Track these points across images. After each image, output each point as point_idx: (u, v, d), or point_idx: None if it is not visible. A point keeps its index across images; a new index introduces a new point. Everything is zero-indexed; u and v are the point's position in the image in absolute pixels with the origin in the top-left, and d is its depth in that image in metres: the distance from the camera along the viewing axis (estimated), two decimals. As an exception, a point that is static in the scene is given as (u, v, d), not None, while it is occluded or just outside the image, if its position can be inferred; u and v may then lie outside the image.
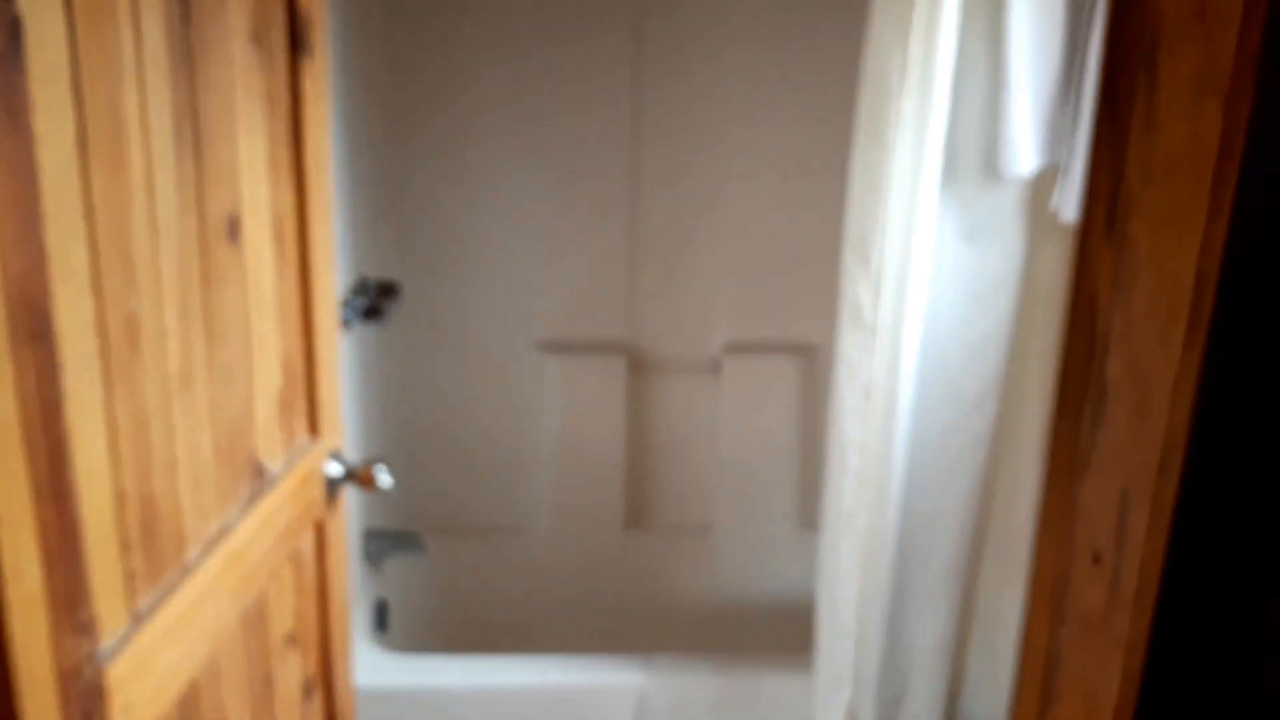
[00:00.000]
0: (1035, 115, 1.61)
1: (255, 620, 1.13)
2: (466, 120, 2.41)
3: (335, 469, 1.33)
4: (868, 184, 1.65)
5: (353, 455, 2.16)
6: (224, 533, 1.03)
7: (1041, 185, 1.69)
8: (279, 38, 1.11)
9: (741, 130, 2.44)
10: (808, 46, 2.39)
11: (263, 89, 1.07)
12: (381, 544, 2.34)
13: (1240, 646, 0.69)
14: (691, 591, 2.68)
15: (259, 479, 1.12)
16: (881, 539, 1.78)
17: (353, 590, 2.18)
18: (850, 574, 1.80)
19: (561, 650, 2.51)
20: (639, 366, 2.58)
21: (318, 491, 1.29)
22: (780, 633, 2.52)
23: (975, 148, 1.67)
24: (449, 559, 2.61)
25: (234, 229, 1.02)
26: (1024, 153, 1.63)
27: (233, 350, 1.04)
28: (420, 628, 2.52)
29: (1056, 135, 1.63)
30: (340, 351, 1.94)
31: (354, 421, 2.18)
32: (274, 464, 1.16)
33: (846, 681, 1.86)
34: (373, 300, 2.20)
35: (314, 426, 1.28)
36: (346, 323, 2.10)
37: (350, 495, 2.18)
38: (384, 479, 1.34)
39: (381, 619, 2.33)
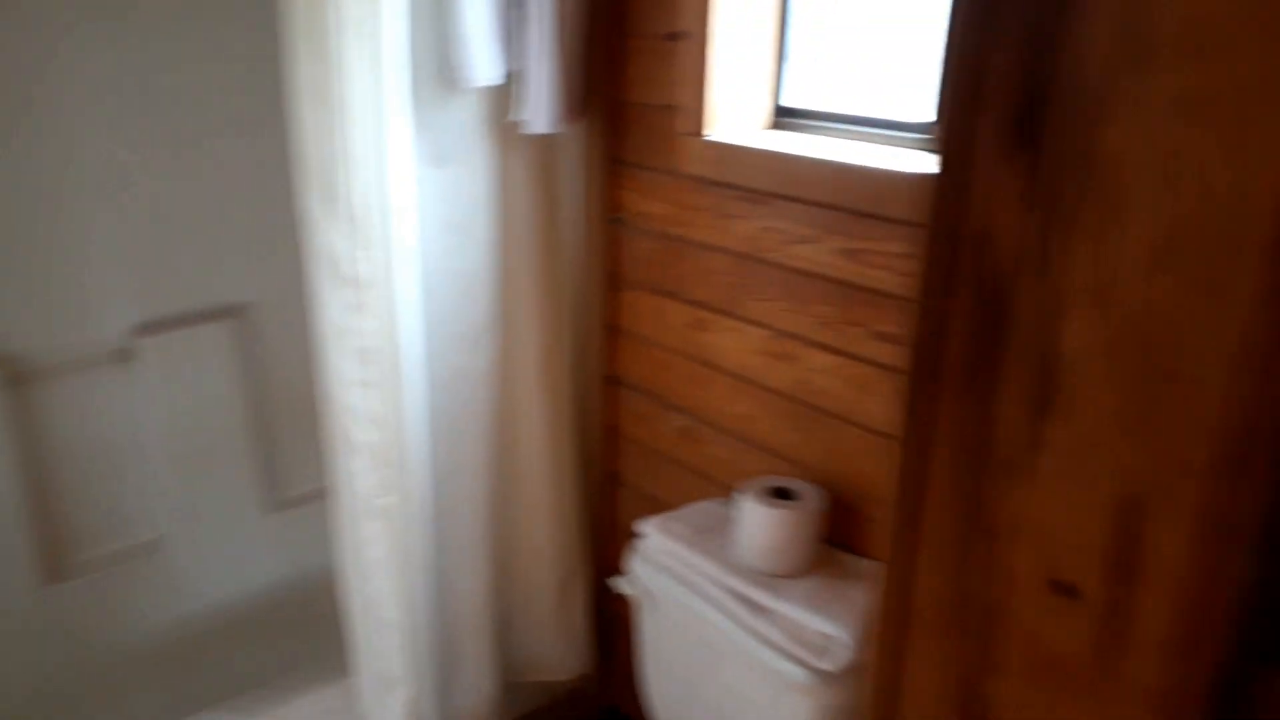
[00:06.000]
0: (488, 15, 1.34)
1: None
2: None
3: None
4: (319, 109, 1.24)
5: None
6: None
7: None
8: None
9: (92, 60, 1.78)
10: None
11: None
12: None
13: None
14: (147, 627, 2.06)
15: None
16: (417, 514, 1.46)
17: None
18: (386, 561, 1.45)
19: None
20: (19, 377, 1.83)
21: None
22: (277, 633, 2.08)
23: (435, 57, 1.35)
24: None
25: None
26: (480, 60, 1.36)
27: None
28: None
29: (507, 35, 1.38)
30: None
31: None
32: None
33: (400, 679, 1.53)
34: None
35: None
36: None
37: None
38: None
39: None
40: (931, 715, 0.55)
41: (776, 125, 1.51)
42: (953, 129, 0.47)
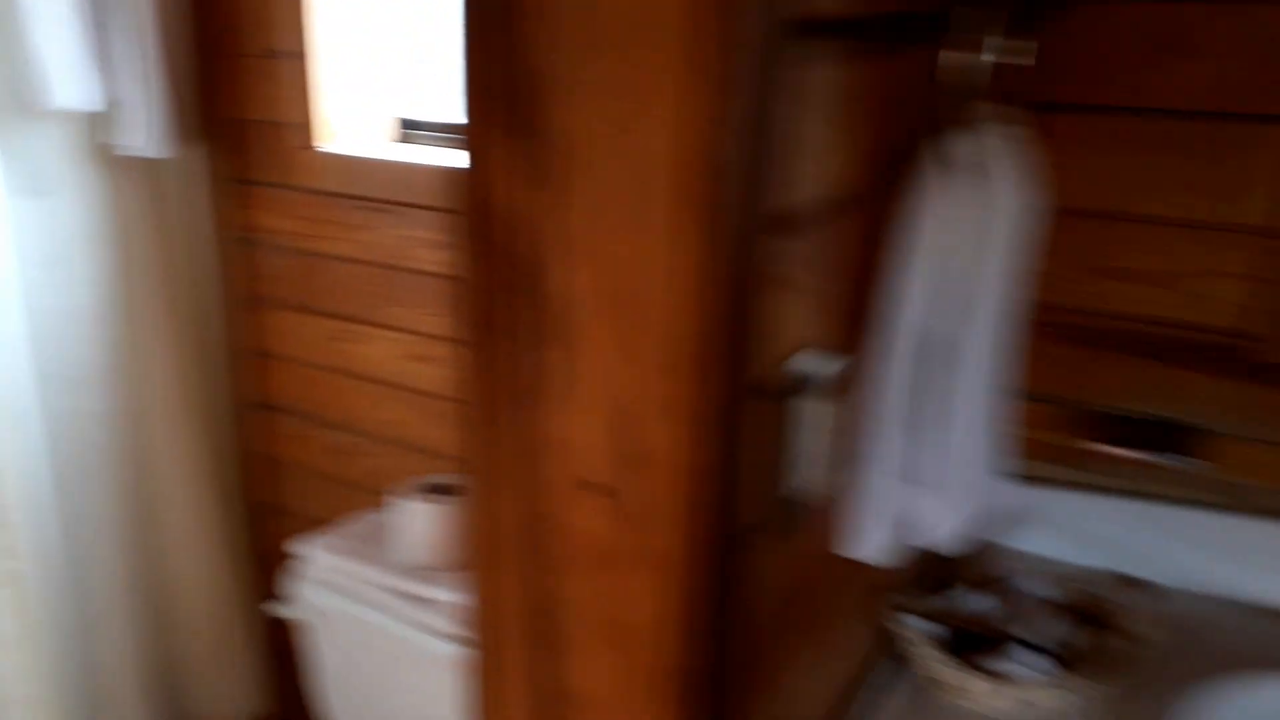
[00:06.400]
0: (67, 36, 1.27)
1: None
2: None
3: None
4: None
5: None
6: None
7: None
8: None
9: None
10: None
11: None
12: None
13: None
14: None
15: None
16: (43, 575, 1.34)
17: None
18: (12, 633, 1.32)
19: None
20: None
21: None
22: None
23: (12, 81, 1.26)
24: None
25: None
26: (61, 82, 1.28)
27: None
28: None
29: (104, 60, 1.32)
30: None
31: None
32: None
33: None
34: None
35: None
36: None
37: None
38: None
39: None
40: (520, 626, 0.64)
41: (404, 138, 1.56)
42: (473, 120, 0.56)
